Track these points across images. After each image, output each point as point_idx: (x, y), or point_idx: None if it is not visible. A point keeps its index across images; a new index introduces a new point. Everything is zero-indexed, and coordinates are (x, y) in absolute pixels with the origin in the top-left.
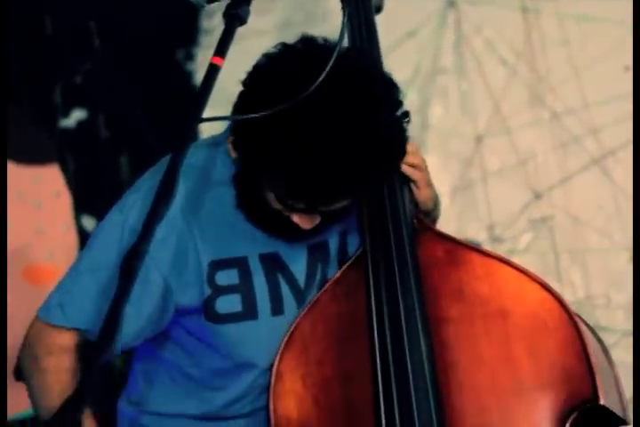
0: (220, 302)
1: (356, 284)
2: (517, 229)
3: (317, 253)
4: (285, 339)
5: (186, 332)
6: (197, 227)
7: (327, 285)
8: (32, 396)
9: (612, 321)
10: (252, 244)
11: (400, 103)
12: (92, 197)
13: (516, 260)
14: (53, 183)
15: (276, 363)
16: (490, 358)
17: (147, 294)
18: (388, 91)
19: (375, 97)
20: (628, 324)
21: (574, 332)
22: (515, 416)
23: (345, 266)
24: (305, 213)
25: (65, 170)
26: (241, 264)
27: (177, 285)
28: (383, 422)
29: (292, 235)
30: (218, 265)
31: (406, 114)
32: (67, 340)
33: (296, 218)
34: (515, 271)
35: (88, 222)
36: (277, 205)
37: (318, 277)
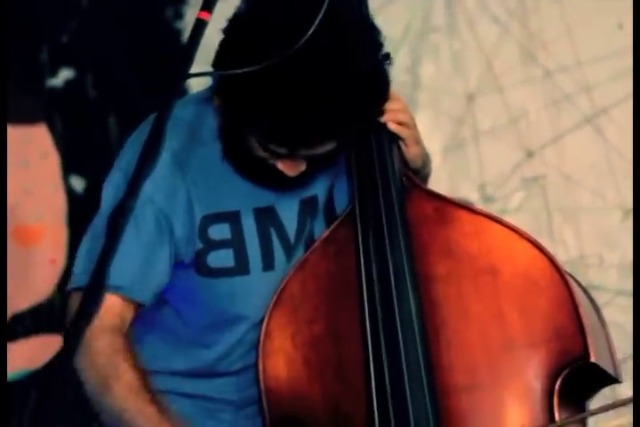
0: (212, 257)
1: (346, 242)
2: (509, 189)
3: (308, 208)
4: (275, 298)
5: (175, 290)
6: (191, 181)
7: (316, 243)
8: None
9: (604, 280)
10: (246, 198)
11: (381, 45)
12: (80, 158)
13: (508, 219)
14: (41, 143)
15: (265, 322)
16: (479, 316)
17: (163, 242)
18: (368, 32)
19: (355, 38)
20: (620, 283)
21: (565, 290)
22: (505, 374)
23: (334, 224)
24: (288, 158)
25: (53, 130)
26: (233, 219)
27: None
28: (373, 380)
29: (280, 184)
30: (210, 219)
31: (387, 56)
32: (111, 311)
33: (280, 165)
34: (504, 229)
35: (76, 183)
36: (262, 153)
37: (306, 232)
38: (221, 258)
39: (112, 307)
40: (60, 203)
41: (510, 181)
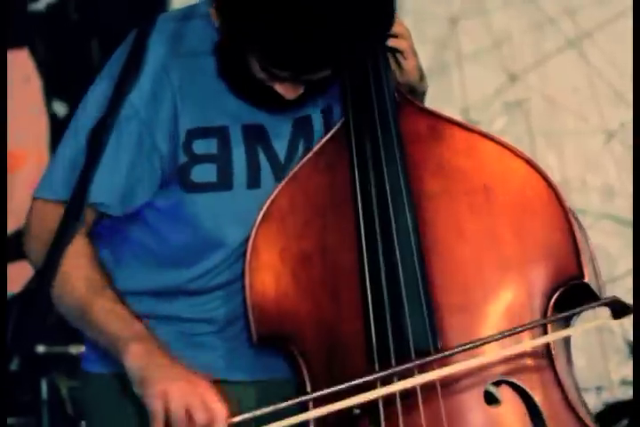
0: (196, 171)
1: (337, 156)
2: (492, 113)
3: (301, 128)
4: (262, 212)
5: (156, 207)
6: (179, 93)
7: (307, 157)
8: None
9: (587, 204)
10: (235, 114)
11: None
12: (62, 82)
13: None
14: (23, 68)
15: (253, 236)
16: (474, 234)
17: (143, 156)
18: None
19: None
20: (603, 206)
21: (561, 210)
22: (499, 292)
23: (326, 138)
24: (289, 81)
25: (35, 54)
26: (221, 134)
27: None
28: (369, 296)
29: (274, 105)
30: (196, 133)
31: None
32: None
33: (279, 87)
34: (498, 147)
35: (59, 108)
36: (261, 75)
37: (299, 153)
38: (204, 172)
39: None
40: (42, 128)
41: (493, 105)
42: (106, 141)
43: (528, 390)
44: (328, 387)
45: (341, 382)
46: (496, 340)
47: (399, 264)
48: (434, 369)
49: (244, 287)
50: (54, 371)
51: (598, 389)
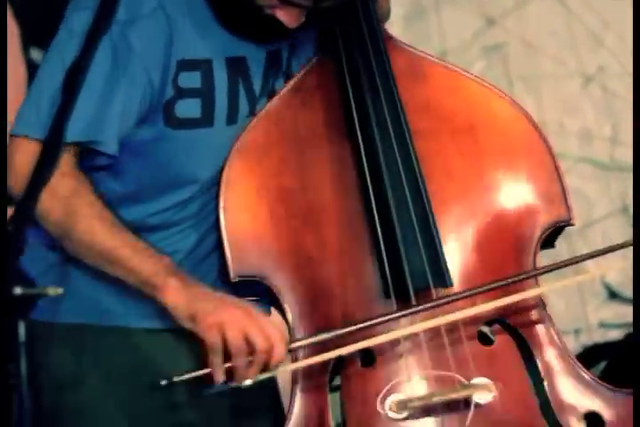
0: (180, 106)
1: (316, 90)
2: (470, 57)
3: (273, 62)
4: (236, 147)
5: (131, 143)
6: (174, 24)
7: (282, 92)
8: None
9: (565, 148)
10: (220, 47)
11: None
12: (40, 30)
13: None
14: None
15: (226, 173)
16: (462, 174)
17: (134, 89)
18: None
19: None
20: (580, 150)
21: (546, 151)
22: (488, 234)
23: (301, 73)
24: (303, 8)
25: (12, 2)
26: (205, 67)
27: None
28: (379, 231)
29: (263, 35)
30: (184, 65)
31: None
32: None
33: (283, 15)
34: (482, 87)
35: (36, 55)
36: (266, 1)
37: (269, 87)
38: (189, 107)
39: (71, 155)
40: (20, 76)
41: (471, 50)
42: (85, 78)
43: (519, 329)
44: (318, 327)
45: (328, 324)
46: (500, 286)
47: (409, 198)
48: (436, 312)
49: (219, 225)
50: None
51: (576, 332)
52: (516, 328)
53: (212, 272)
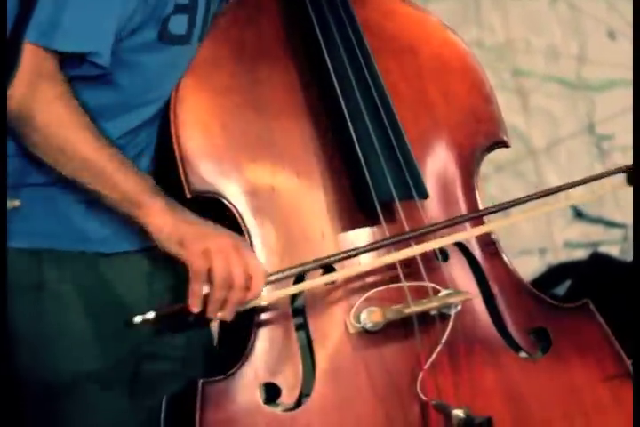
0: (173, 22)
1: (260, 7)
2: None
3: None
4: (189, 65)
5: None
6: None
7: (225, 9)
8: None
9: (532, 65)
10: None
11: None
12: None
13: (436, 5)
14: None
15: (176, 88)
16: (407, 94)
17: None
18: None
19: None
20: (547, 68)
21: (479, 75)
22: (434, 154)
23: None
24: None
25: None
26: None
27: None
28: (355, 140)
29: None
30: None
31: None
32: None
33: None
34: (417, 12)
35: None
36: None
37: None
38: (179, 23)
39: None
40: None
41: None
42: None
43: (469, 247)
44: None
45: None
46: (481, 215)
47: (380, 108)
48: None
49: (170, 142)
50: None
51: (542, 251)
52: (468, 248)
53: None
